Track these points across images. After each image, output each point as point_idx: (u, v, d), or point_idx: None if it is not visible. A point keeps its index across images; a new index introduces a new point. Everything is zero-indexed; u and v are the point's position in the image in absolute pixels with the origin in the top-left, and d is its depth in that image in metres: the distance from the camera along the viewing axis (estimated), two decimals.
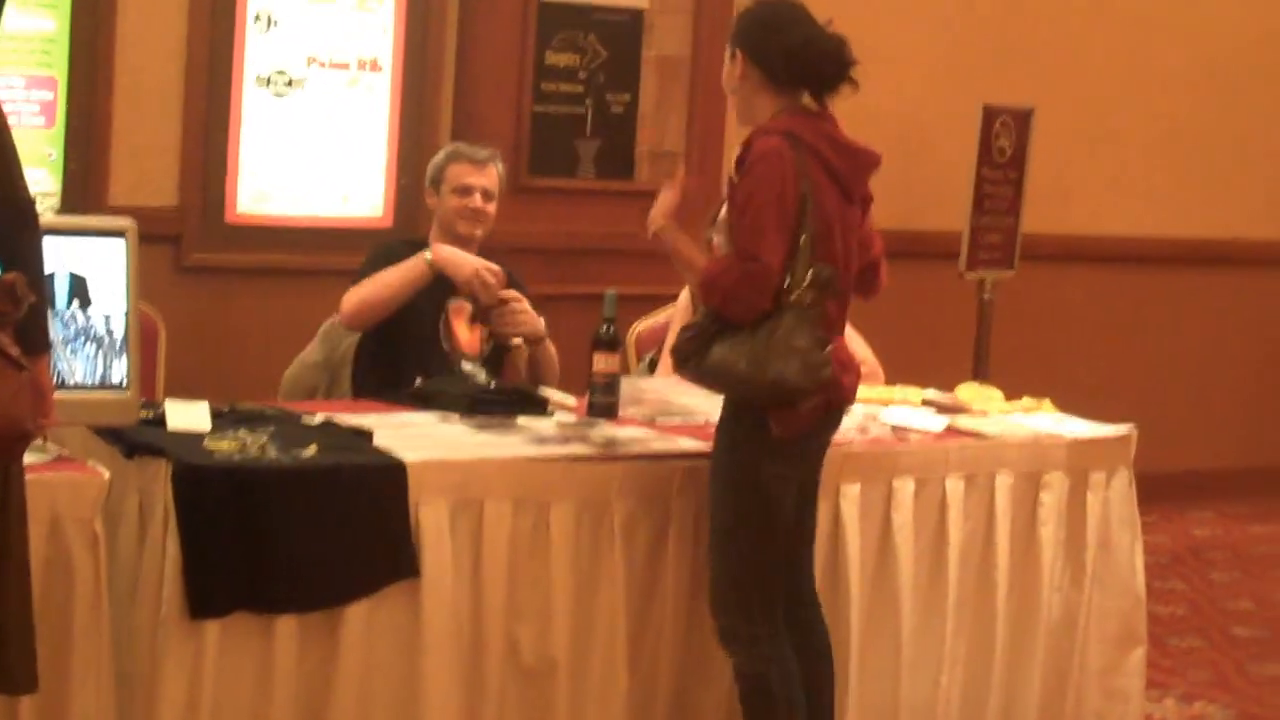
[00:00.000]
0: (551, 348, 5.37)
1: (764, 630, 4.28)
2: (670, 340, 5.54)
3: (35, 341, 3.31)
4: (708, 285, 4.21)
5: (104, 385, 3.92)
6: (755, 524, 4.24)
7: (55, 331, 3.83)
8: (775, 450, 4.21)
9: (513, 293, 5.24)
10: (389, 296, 5.19)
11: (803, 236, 4.13)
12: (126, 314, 3.94)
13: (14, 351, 3.20)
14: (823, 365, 4.16)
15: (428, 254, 5.19)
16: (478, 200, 5.35)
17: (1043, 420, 5.20)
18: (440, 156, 5.50)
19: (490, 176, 5.40)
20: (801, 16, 4.31)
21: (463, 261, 5.19)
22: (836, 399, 4.31)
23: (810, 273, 4.14)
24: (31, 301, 3.24)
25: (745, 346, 4.12)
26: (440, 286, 5.25)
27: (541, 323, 5.29)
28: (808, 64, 4.26)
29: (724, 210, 4.69)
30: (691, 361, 4.24)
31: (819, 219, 4.17)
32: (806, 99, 4.30)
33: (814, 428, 4.29)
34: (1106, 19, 8.12)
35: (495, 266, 5.18)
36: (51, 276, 3.83)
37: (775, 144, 4.16)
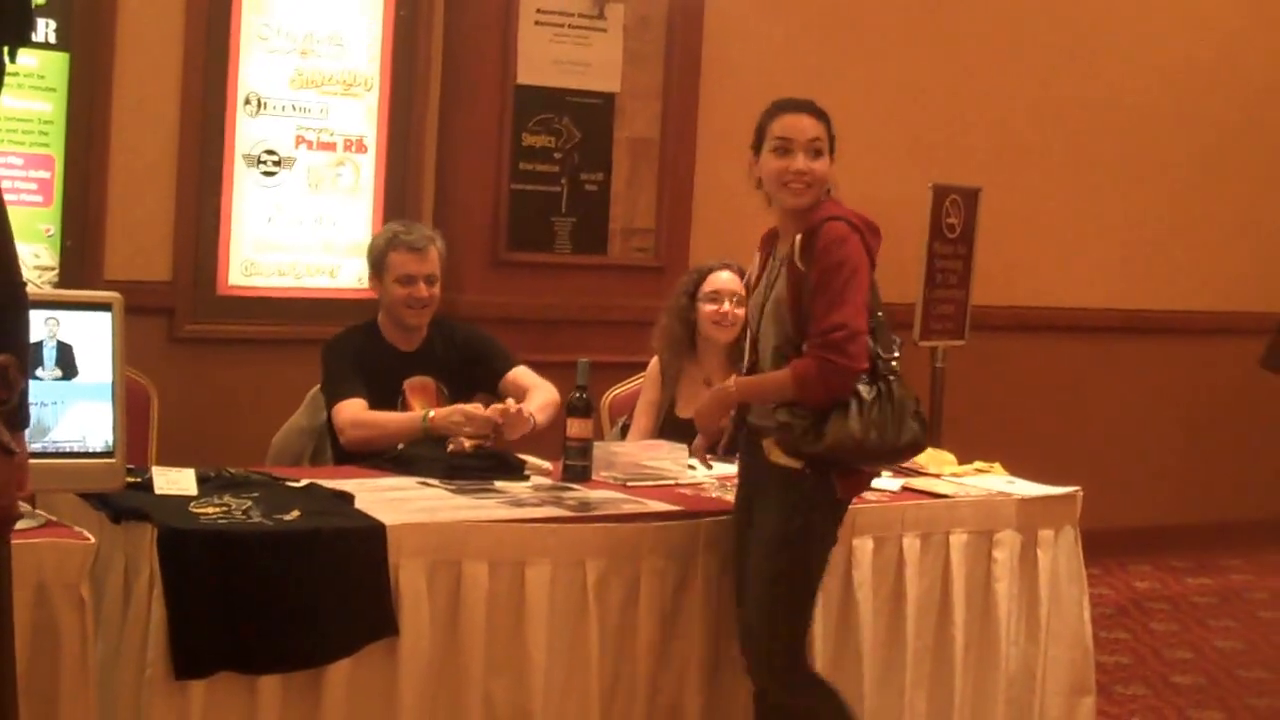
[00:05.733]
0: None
1: (800, 677, 4.28)
2: (642, 408, 5.47)
3: (22, 420, 3.17)
4: (801, 386, 4.10)
5: (91, 452, 3.79)
6: (801, 579, 4.23)
7: (45, 399, 3.72)
8: (829, 513, 4.23)
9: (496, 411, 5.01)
10: (386, 441, 4.95)
11: (880, 312, 4.17)
12: (113, 383, 3.83)
13: (5, 438, 3.04)
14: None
15: (428, 414, 4.98)
16: (421, 290, 5.19)
17: (994, 481, 5.14)
18: (380, 241, 5.31)
19: (431, 261, 5.22)
20: None
21: (453, 425, 4.95)
22: None
23: (897, 344, 4.20)
24: (23, 386, 3.10)
25: (869, 418, 4.08)
26: (399, 369, 5.16)
27: (529, 414, 5.07)
28: None
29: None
30: (808, 439, 4.10)
31: (876, 295, 4.20)
32: None
33: (862, 489, 4.36)
34: (1049, 103, 8.13)
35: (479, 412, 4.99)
36: (40, 345, 3.74)
37: (846, 230, 4.12)
